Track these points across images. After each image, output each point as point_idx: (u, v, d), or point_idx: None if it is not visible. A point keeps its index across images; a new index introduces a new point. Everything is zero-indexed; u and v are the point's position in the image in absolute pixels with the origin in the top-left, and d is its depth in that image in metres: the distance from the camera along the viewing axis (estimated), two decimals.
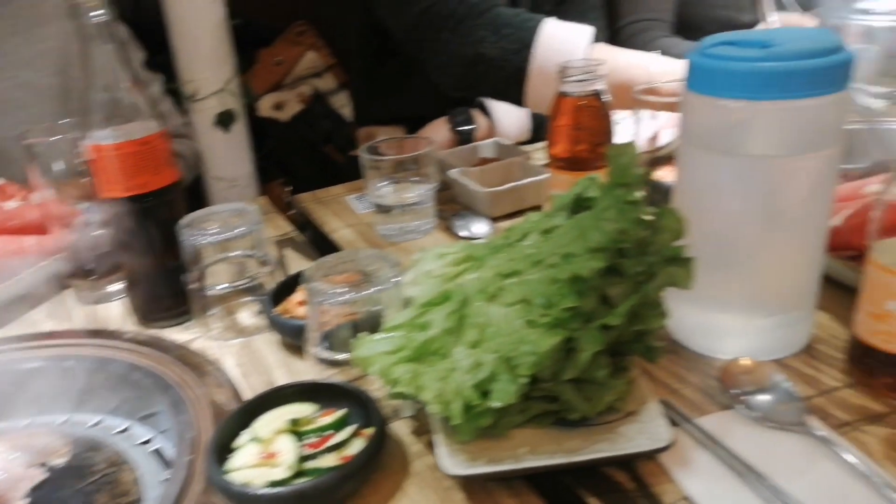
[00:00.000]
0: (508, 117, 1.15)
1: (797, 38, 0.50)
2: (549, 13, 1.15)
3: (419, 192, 0.87)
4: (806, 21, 1.21)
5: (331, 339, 0.57)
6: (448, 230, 0.89)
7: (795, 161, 0.51)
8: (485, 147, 1.04)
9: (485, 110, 1.15)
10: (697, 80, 0.52)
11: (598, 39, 1.19)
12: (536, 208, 0.88)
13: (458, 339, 0.49)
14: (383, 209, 0.87)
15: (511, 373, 0.46)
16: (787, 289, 0.57)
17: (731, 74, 0.49)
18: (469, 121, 1.13)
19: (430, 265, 0.60)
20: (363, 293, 0.55)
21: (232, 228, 0.67)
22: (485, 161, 1.01)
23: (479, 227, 0.88)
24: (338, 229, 0.93)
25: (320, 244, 0.89)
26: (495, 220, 0.90)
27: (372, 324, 0.55)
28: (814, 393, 0.55)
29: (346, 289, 0.55)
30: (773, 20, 1.26)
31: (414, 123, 1.21)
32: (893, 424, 0.51)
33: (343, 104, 1.56)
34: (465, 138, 1.11)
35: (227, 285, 0.69)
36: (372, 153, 0.84)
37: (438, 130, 1.15)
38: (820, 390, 0.55)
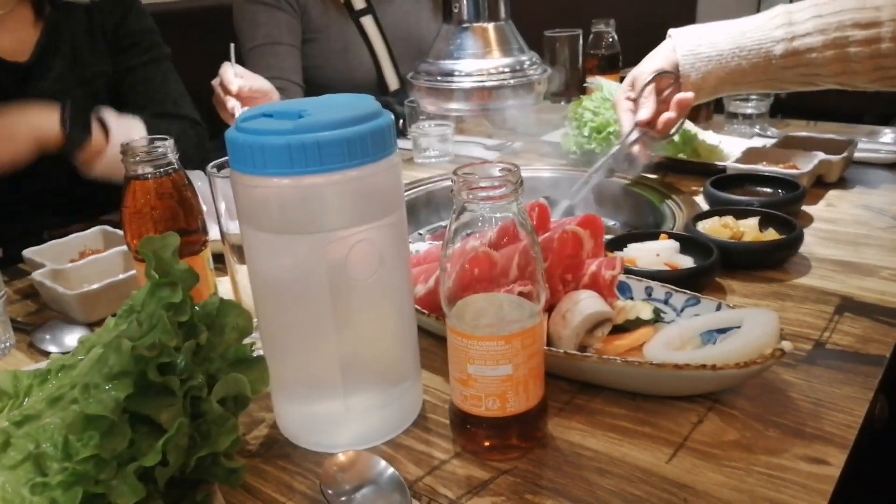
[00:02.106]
0: None
1: (334, 106, 0.47)
2: None
3: None
4: None
5: None
6: (33, 347, 0.73)
7: (356, 233, 0.47)
8: (89, 237, 0.89)
9: None
10: (238, 158, 0.46)
11: None
12: None
13: None
14: None
15: None
16: (384, 363, 0.54)
17: (265, 150, 0.44)
18: None
19: None
20: None
21: None
22: (90, 254, 0.86)
23: (74, 339, 0.73)
24: None
25: None
26: (94, 326, 0.75)
27: None
28: (424, 472, 0.52)
29: None
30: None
31: None
32: (496, 491, 0.50)
33: None
34: None
35: None
36: None
37: None
38: (430, 468, 0.52)
